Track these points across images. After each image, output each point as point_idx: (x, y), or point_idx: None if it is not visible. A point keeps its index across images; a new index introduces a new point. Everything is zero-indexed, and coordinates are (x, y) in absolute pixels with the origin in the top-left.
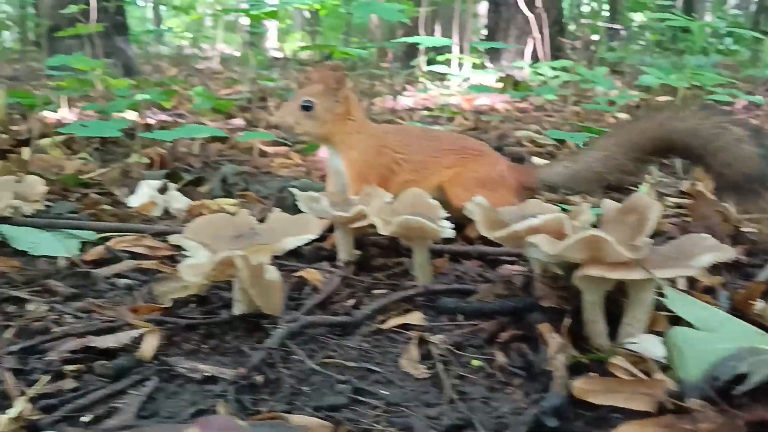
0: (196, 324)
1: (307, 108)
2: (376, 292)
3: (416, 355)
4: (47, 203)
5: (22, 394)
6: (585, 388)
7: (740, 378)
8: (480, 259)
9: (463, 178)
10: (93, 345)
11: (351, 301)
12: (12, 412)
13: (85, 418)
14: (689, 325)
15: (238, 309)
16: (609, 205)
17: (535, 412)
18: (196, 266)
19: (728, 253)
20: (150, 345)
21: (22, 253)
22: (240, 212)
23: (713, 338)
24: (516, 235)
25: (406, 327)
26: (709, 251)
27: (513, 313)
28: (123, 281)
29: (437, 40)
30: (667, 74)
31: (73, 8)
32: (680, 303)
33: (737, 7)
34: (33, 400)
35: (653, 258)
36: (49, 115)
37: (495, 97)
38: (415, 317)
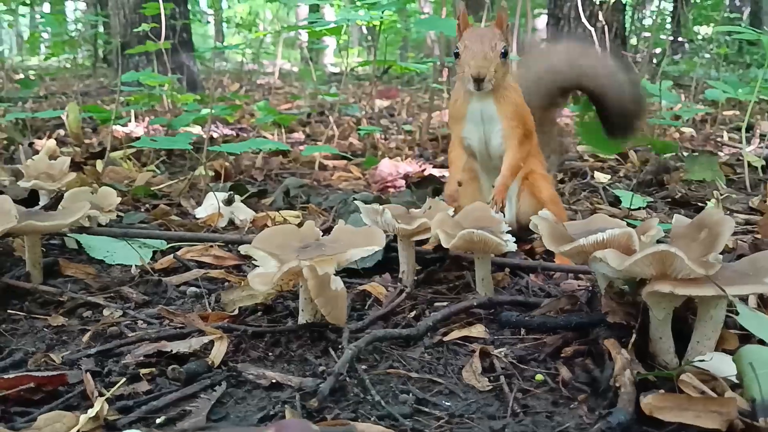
0: (263, 332)
1: (505, 54)
2: (437, 304)
3: (479, 367)
4: (119, 213)
5: (100, 394)
6: (655, 404)
7: None
8: (542, 273)
9: (547, 179)
10: (166, 350)
11: (413, 313)
12: (91, 412)
13: (159, 420)
14: (762, 343)
15: (303, 318)
16: (679, 220)
17: (601, 427)
18: (265, 275)
19: None
20: (219, 351)
21: (97, 261)
22: (306, 224)
23: None
24: (582, 250)
25: (468, 339)
26: None
27: (578, 328)
28: (192, 289)
29: None
30: (735, 88)
31: (144, 27)
32: (753, 320)
33: None
34: (110, 401)
35: (725, 274)
36: (118, 129)
37: None
38: (478, 330)
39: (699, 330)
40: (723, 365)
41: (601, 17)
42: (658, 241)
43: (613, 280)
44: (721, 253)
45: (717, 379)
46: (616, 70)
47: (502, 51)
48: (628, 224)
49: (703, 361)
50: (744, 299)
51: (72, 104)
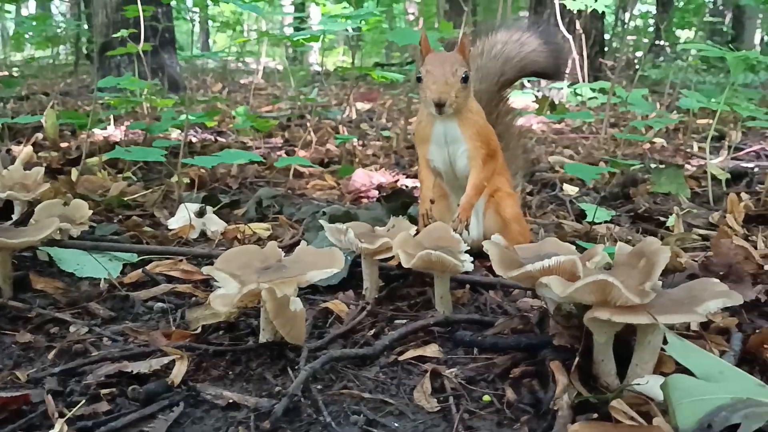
0: (224, 351)
1: (466, 80)
2: (397, 322)
3: (429, 388)
4: (92, 224)
5: (61, 415)
6: (582, 431)
7: (734, 428)
8: (501, 290)
9: (513, 198)
10: (127, 370)
11: (372, 331)
12: None
13: None
14: (690, 371)
15: (263, 337)
16: (622, 248)
17: None
18: (226, 297)
19: (737, 299)
20: (179, 371)
21: (67, 274)
22: (269, 245)
23: (710, 387)
24: (530, 276)
25: (422, 359)
26: (716, 297)
27: (527, 349)
28: (159, 305)
29: None
30: (709, 97)
31: (123, 32)
32: (681, 350)
33: None
34: (70, 421)
35: (661, 302)
36: (97, 132)
37: (532, 118)
38: (432, 349)
39: (637, 354)
40: (659, 388)
41: (579, 25)
42: (606, 268)
43: (561, 303)
44: (667, 275)
45: (650, 403)
46: (550, 50)
47: (464, 76)
48: (579, 247)
49: (639, 384)
50: (686, 324)
51: (50, 110)
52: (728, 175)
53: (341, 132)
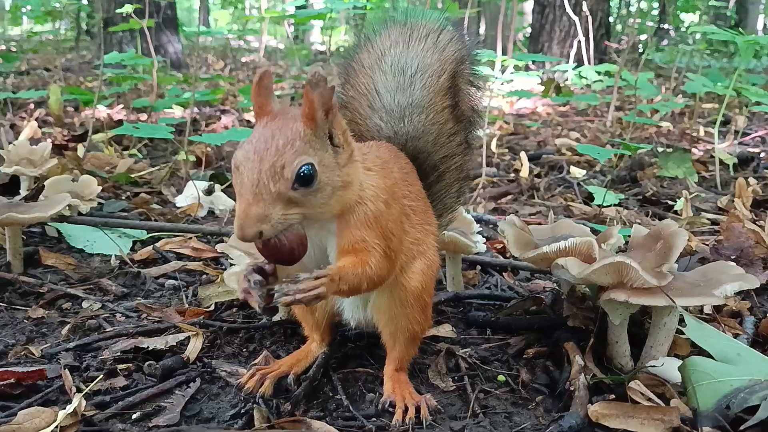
0: (238, 328)
1: (308, 181)
2: None
3: (444, 367)
4: (100, 201)
5: (78, 390)
6: (601, 411)
7: (752, 410)
8: (511, 272)
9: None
10: (143, 346)
11: None
12: (69, 408)
13: (135, 416)
14: (707, 353)
15: (277, 315)
16: (638, 230)
17: (554, 430)
18: (240, 274)
19: (753, 283)
20: (195, 347)
21: (77, 250)
22: None
23: (728, 369)
24: (546, 257)
25: (435, 339)
26: (733, 280)
27: (540, 330)
28: (170, 282)
29: None
30: (715, 81)
31: (128, 7)
32: (699, 332)
33: None
34: (88, 396)
35: (678, 284)
36: (100, 109)
37: (537, 100)
38: (446, 329)
39: (653, 336)
40: (674, 371)
41: (585, 7)
42: (620, 250)
43: (575, 285)
44: (682, 256)
45: (666, 385)
46: None
47: (302, 173)
48: (592, 229)
49: (654, 366)
50: (699, 308)
51: (54, 87)
52: (735, 160)
53: None
